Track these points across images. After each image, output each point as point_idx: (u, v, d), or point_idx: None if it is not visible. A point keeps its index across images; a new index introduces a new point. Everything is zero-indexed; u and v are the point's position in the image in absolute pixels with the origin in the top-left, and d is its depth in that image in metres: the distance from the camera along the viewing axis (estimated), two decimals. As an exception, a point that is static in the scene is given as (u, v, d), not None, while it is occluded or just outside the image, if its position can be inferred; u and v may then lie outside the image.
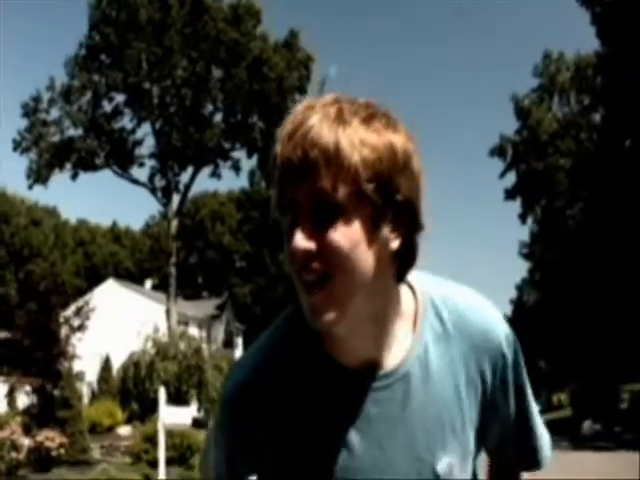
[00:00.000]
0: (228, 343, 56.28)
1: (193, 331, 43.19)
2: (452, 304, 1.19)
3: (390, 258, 1.08)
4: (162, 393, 14.23)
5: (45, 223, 57.96)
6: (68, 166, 34.68)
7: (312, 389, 1.15)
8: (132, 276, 61.19)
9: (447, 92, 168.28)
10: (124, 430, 21.31)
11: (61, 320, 18.18)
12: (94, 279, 57.14)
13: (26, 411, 17.29)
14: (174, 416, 13.92)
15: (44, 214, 59.32)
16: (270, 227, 52.87)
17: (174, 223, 36.30)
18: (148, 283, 57.71)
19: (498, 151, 40.86)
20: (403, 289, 1.16)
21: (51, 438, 14.29)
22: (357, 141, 1.02)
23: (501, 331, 1.23)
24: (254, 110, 35.79)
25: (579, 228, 36.45)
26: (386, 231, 1.05)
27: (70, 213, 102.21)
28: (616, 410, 35.63)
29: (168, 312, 36.43)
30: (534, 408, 1.32)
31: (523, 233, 52.19)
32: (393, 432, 1.14)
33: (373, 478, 1.13)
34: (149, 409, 23.48)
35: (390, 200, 1.04)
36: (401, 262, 1.09)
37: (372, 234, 1.04)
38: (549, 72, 37.47)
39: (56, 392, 16.56)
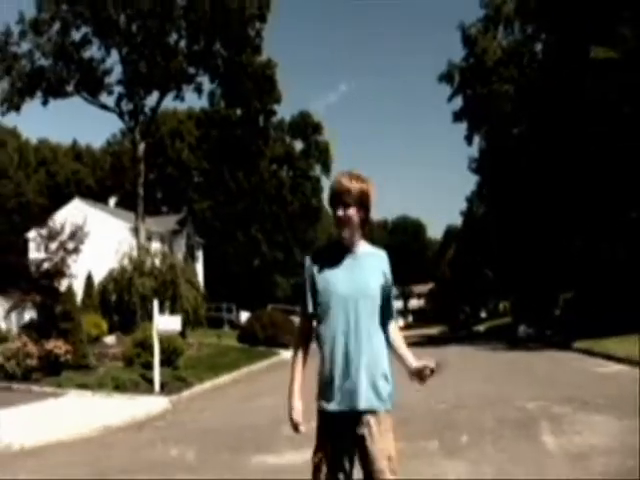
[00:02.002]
0: (189, 257, 58.00)
1: (156, 246, 45.19)
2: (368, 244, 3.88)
3: (362, 222, 3.73)
4: (155, 304, 16.78)
5: (9, 144, 58.60)
6: (39, 94, 36.08)
7: (337, 253, 3.78)
8: (94, 194, 62.39)
9: (399, 25, 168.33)
10: (109, 339, 23.67)
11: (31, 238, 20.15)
12: (57, 198, 58.33)
13: (29, 325, 19.65)
14: (166, 323, 16.51)
15: (6, 135, 59.94)
16: (230, 146, 54.40)
17: (141, 146, 37.94)
18: (112, 201, 59.03)
19: (446, 77, 43.14)
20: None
21: (59, 346, 16.76)
22: (358, 186, 3.70)
23: (384, 253, 3.85)
24: (216, 38, 37.37)
25: (522, 147, 38.53)
26: (361, 214, 3.69)
27: (30, 133, 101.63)
28: (549, 316, 38.72)
29: (136, 230, 38.38)
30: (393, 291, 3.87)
31: (473, 151, 54.19)
32: (354, 268, 3.76)
33: (348, 283, 3.70)
34: (129, 320, 26.03)
35: (364, 205, 3.72)
36: (363, 224, 3.74)
37: (359, 215, 3.69)
38: (495, 3, 39.24)
39: (56, 306, 18.90)
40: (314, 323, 3.89)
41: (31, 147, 65.33)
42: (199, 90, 40.18)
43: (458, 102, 43.83)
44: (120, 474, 8.50)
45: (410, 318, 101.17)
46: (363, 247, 3.81)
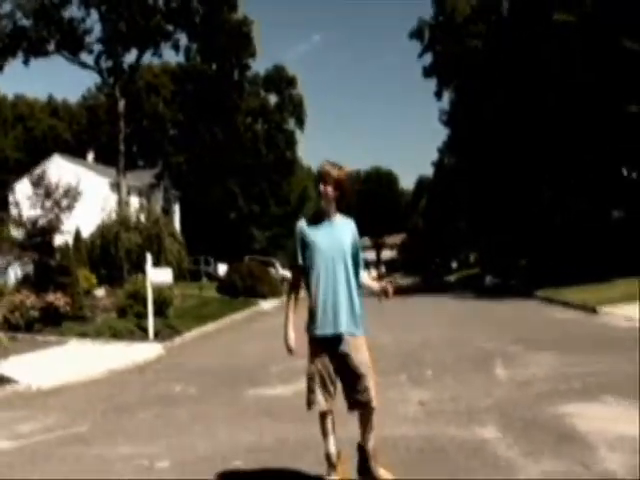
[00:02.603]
0: (166, 210, 59.00)
1: (134, 200, 46.28)
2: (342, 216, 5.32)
3: (337, 199, 5.15)
4: (149, 257, 18.09)
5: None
6: (20, 53, 36.81)
7: (319, 221, 5.23)
8: (71, 149, 62.97)
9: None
10: (99, 292, 24.92)
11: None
12: (35, 153, 58.90)
13: (25, 280, 20.86)
14: (158, 275, 17.89)
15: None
16: (206, 100, 55.06)
17: (121, 102, 38.79)
18: (90, 156, 59.74)
19: (417, 34, 44.17)
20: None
21: (58, 298, 18.07)
22: (336, 173, 5.14)
23: (353, 221, 5.33)
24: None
25: (491, 102, 39.82)
26: (336, 194, 5.13)
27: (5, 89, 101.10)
28: (514, 266, 40.51)
29: (118, 185, 39.41)
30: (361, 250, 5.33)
31: (443, 104, 55.06)
32: (333, 232, 5.20)
33: (327, 242, 5.16)
34: (117, 274, 27.32)
35: (339, 188, 5.16)
36: (338, 201, 5.19)
37: (335, 194, 5.12)
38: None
39: (52, 261, 20.15)
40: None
41: (8, 103, 65.54)
42: (176, 47, 41.11)
43: (428, 58, 45.10)
44: (135, 406, 9.94)
45: (383, 269, 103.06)
46: (338, 218, 5.28)
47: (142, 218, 28.90)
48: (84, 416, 9.46)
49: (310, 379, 5.22)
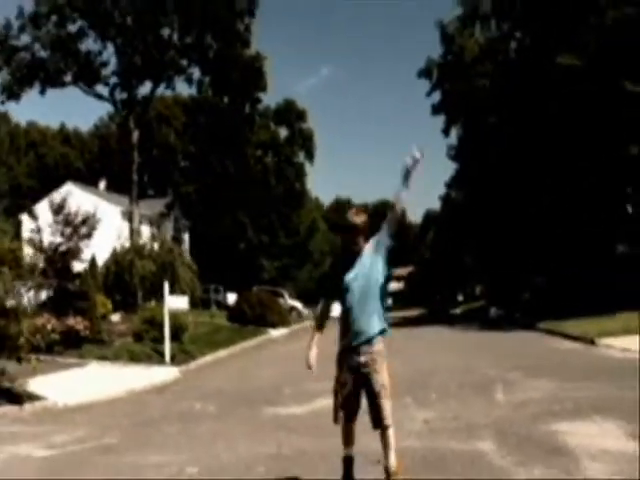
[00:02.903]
0: (176, 239, 59.80)
1: (145, 229, 47.15)
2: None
3: (365, 236, 5.89)
4: (166, 285, 18.90)
5: (1, 129, 60.07)
6: (37, 83, 38.08)
7: (350, 260, 5.92)
8: (83, 177, 64.07)
9: (382, 22, 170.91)
10: (115, 317, 25.67)
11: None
12: (47, 180, 59.92)
13: (45, 304, 21.63)
14: (175, 302, 18.70)
15: (-1, 120, 61.51)
16: (217, 132, 56.19)
17: (135, 134, 39.84)
18: (102, 184, 60.75)
19: (425, 73, 45.27)
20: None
21: (79, 322, 18.86)
22: (360, 219, 5.88)
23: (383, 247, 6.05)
24: (207, 32, 39.38)
25: (498, 139, 40.77)
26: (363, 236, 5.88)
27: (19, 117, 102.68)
28: (518, 299, 41.18)
29: (131, 214, 40.31)
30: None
31: (451, 139, 56.02)
32: (363, 268, 5.88)
33: (361, 282, 5.88)
34: (131, 300, 28.11)
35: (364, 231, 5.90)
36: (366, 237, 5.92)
37: (364, 235, 5.86)
38: (472, 0, 41.22)
39: (71, 286, 20.95)
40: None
41: (21, 131, 66.79)
42: (190, 80, 42.23)
43: (437, 96, 46.17)
44: (159, 422, 10.68)
45: (390, 300, 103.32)
46: (367, 252, 5.95)
47: (155, 246, 29.75)
48: (112, 430, 10.21)
49: (335, 396, 5.94)
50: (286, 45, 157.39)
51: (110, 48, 39.30)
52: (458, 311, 62.10)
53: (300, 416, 10.33)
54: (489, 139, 41.33)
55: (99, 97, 40.46)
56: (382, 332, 5.94)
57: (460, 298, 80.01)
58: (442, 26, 43.42)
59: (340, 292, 5.93)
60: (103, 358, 18.02)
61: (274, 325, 34.30)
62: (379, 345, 5.92)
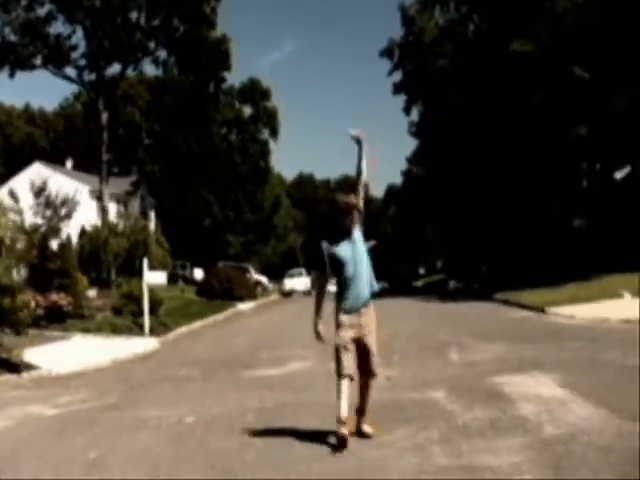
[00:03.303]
0: (143, 216, 60.46)
1: (112, 207, 47.94)
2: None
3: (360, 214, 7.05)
4: (145, 262, 20.04)
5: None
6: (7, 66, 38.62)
7: (343, 237, 7.00)
8: (48, 156, 64.27)
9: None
10: (91, 293, 26.67)
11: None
12: (13, 160, 60.19)
13: (27, 282, 22.57)
14: (154, 278, 19.86)
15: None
16: (182, 111, 56.96)
17: (104, 115, 40.62)
18: (69, 163, 61.21)
19: (387, 52, 46.52)
20: None
21: (62, 298, 19.93)
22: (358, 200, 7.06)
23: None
24: (175, 14, 40.18)
25: (457, 117, 42.13)
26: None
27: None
28: (477, 272, 42.90)
29: (101, 193, 41.19)
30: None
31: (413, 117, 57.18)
32: (355, 247, 7.01)
33: (356, 255, 7.00)
34: (105, 276, 29.14)
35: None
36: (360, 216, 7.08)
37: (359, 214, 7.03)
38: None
39: (52, 265, 21.92)
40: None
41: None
42: (157, 62, 43.07)
43: (398, 75, 47.47)
44: (150, 384, 11.91)
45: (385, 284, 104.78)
46: (357, 232, 7.05)
47: (121, 225, 30.75)
48: (109, 392, 11.43)
49: (337, 350, 6.97)
50: (248, 21, 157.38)
51: (79, 31, 39.93)
52: (419, 284, 63.84)
53: (277, 376, 11.62)
54: (448, 117, 42.71)
55: (68, 79, 41.15)
56: (373, 295, 7.12)
57: (422, 271, 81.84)
58: (403, 8, 44.67)
59: (338, 265, 6.95)
60: (86, 331, 19.15)
61: (241, 299, 35.50)
62: (372, 308, 7.16)
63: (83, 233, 33.51)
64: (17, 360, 14.08)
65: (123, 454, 7.14)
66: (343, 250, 6.96)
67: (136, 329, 19.65)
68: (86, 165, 62.43)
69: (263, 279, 54.23)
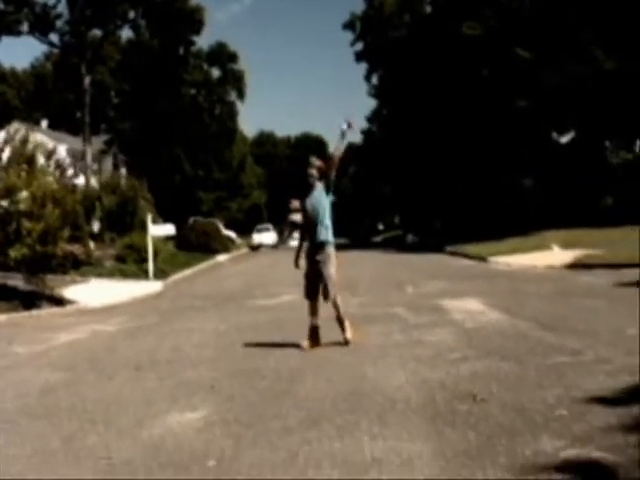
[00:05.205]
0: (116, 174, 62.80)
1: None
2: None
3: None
4: (149, 216, 23.44)
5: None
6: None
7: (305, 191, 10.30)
8: (20, 115, 66.16)
9: None
10: (91, 245, 29.95)
11: None
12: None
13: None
14: (161, 230, 23.35)
15: None
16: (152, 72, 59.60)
17: (87, 79, 43.41)
18: (44, 123, 63.52)
19: (349, 25, 49.78)
20: None
21: (77, 248, 23.27)
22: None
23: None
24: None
25: (415, 84, 45.53)
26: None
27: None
28: (431, 227, 46.86)
29: (83, 153, 44.11)
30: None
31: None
32: (317, 196, 10.12)
33: (317, 206, 10.07)
34: (98, 231, 32.35)
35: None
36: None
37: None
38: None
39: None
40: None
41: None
42: (136, 28, 45.90)
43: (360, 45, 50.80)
44: (176, 312, 15.48)
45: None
46: (318, 187, 10.00)
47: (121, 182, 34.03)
48: (147, 316, 14.94)
49: (306, 279, 10.10)
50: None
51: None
52: (379, 239, 67.77)
53: (273, 304, 15.28)
54: (407, 83, 46.17)
55: (53, 45, 43.80)
56: (330, 241, 9.84)
57: (381, 227, 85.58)
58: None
59: (304, 213, 9.77)
60: (100, 275, 22.56)
61: (217, 252, 38.98)
62: (330, 249, 9.55)
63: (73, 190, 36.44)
64: (59, 296, 17.53)
65: (189, 343, 10.72)
66: (310, 201, 9.51)
67: (142, 274, 23.10)
68: (59, 125, 65.01)
69: (232, 234, 57.48)
